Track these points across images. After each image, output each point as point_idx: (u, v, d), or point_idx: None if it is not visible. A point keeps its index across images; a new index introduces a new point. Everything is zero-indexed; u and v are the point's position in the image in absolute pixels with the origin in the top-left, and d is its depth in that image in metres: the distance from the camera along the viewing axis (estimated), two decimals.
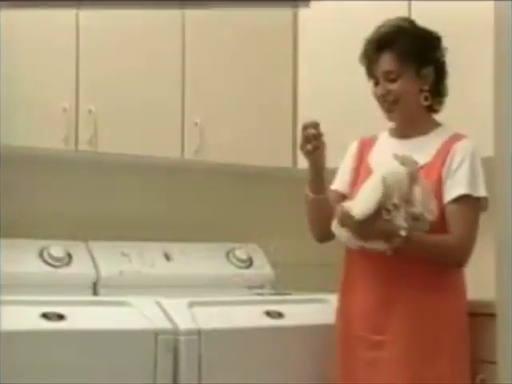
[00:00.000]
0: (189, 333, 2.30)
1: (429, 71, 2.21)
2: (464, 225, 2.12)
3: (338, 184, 2.36)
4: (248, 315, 2.44)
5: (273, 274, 2.98)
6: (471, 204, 2.14)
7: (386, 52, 2.17)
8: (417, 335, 2.13)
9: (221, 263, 2.92)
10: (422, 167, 2.14)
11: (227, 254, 2.98)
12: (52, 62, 2.69)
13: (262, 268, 2.99)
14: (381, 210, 2.04)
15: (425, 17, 2.87)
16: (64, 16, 2.71)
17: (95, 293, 2.70)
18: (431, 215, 2.07)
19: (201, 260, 2.89)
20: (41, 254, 2.67)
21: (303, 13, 3.10)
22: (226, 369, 2.33)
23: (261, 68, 3.07)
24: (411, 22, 2.25)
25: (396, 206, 2.06)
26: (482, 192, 2.16)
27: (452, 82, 2.75)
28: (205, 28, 2.98)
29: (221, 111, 2.99)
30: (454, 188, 2.15)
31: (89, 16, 2.75)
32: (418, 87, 2.20)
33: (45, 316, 2.19)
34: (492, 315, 2.07)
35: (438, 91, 2.24)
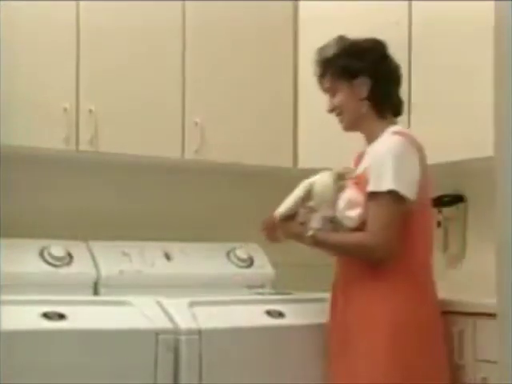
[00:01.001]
0: (189, 332, 2.31)
1: (362, 81, 2.34)
2: (373, 220, 2.22)
3: None
4: (248, 315, 2.44)
5: (273, 273, 2.98)
6: (379, 199, 2.22)
7: (324, 75, 2.39)
8: (353, 334, 2.26)
9: (221, 263, 2.92)
10: (360, 174, 2.30)
11: (228, 254, 2.98)
12: (52, 62, 2.69)
13: (263, 267, 2.98)
14: (298, 212, 2.31)
15: (425, 17, 2.88)
16: (64, 15, 2.71)
17: (96, 292, 2.69)
18: (348, 221, 2.25)
19: (201, 260, 2.89)
20: (41, 254, 2.67)
21: (303, 12, 3.09)
22: (227, 368, 2.34)
23: (261, 67, 3.07)
24: (344, 40, 2.39)
25: (311, 209, 2.30)
26: (385, 186, 2.21)
27: (452, 81, 2.76)
28: (205, 28, 2.97)
29: (221, 111, 2.98)
30: (369, 185, 2.26)
31: (89, 15, 2.75)
32: (357, 97, 2.35)
33: (45, 315, 2.20)
34: (492, 315, 2.07)
35: (379, 97, 2.35)
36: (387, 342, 2.21)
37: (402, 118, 2.91)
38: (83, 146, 2.74)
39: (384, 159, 2.24)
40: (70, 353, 2.18)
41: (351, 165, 2.46)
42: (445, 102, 2.84)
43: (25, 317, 2.17)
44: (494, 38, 2.05)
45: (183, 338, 2.30)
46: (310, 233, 2.28)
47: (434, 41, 2.85)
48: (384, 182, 2.22)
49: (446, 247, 3.14)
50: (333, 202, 2.29)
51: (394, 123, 2.38)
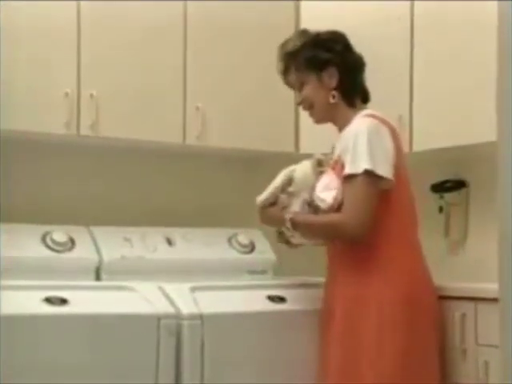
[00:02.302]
0: (191, 317, 2.32)
1: (329, 72, 2.37)
2: (347, 201, 2.25)
3: None
4: (250, 300, 2.45)
5: (275, 258, 2.98)
6: (355, 181, 2.24)
7: (289, 67, 2.40)
8: (345, 318, 2.28)
9: (223, 248, 2.92)
10: (336, 159, 2.33)
11: (229, 240, 2.97)
12: (53, 47, 2.69)
13: (264, 253, 2.98)
14: (279, 198, 2.38)
15: (428, 16, 2.88)
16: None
17: (97, 278, 2.70)
18: (321, 203, 2.29)
19: (203, 245, 2.89)
20: (43, 239, 2.67)
21: (305, 12, 3.09)
22: (229, 353, 2.35)
23: (263, 52, 3.06)
24: (306, 33, 2.41)
25: (291, 194, 2.36)
26: (361, 167, 2.23)
27: (454, 67, 2.76)
28: (207, 12, 2.96)
29: (222, 96, 2.98)
30: (343, 172, 2.28)
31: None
32: (326, 88, 2.37)
33: (48, 300, 2.21)
34: (494, 300, 2.08)
35: (348, 86, 2.38)
36: (375, 325, 2.22)
37: (404, 104, 2.93)
38: (84, 131, 2.74)
39: (357, 140, 2.26)
40: (72, 337, 2.19)
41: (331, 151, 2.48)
42: (447, 87, 2.84)
43: (27, 302, 2.18)
44: (497, 37, 2.05)
45: (185, 322, 2.30)
46: (289, 215, 2.31)
47: (436, 35, 2.86)
48: (359, 163, 2.23)
49: (447, 233, 3.14)
50: (312, 188, 2.34)
51: (365, 109, 2.40)
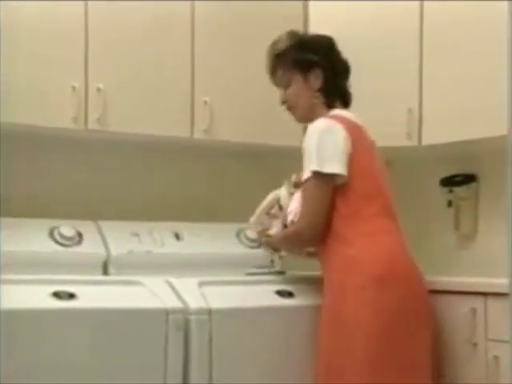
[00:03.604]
0: (199, 312, 2.32)
1: (316, 73, 2.41)
2: (301, 209, 2.34)
3: None
4: (258, 295, 2.45)
5: (283, 253, 2.97)
6: (306, 186, 2.33)
7: (277, 66, 2.45)
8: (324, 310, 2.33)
9: (231, 243, 2.92)
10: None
11: (237, 234, 2.97)
12: (61, 40, 2.68)
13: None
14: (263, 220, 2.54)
15: (437, 9, 2.87)
16: None
17: (105, 272, 2.70)
18: (288, 223, 2.43)
19: (211, 240, 2.89)
20: (51, 234, 2.67)
21: (314, 12, 3.08)
22: (237, 348, 2.35)
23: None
24: (296, 35, 2.46)
25: (273, 216, 2.48)
26: (310, 169, 2.29)
27: (464, 62, 2.74)
28: (216, 5, 2.95)
29: (231, 89, 2.97)
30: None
31: None
32: (309, 90, 2.42)
33: (55, 295, 2.21)
34: (504, 295, 2.07)
35: (329, 90, 2.42)
36: (349, 328, 2.24)
37: (413, 98, 2.92)
38: (92, 125, 2.73)
39: (306, 143, 2.33)
40: (80, 332, 2.19)
41: None
42: (457, 80, 2.82)
43: (35, 296, 2.18)
44: (507, 38, 2.04)
45: (193, 317, 2.31)
46: (263, 240, 2.52)
47: (445, 28, 2.84)
48: (309, 166, 2.30)
49: (457, 227, 3.13)
50: (285, 209, 2.46)
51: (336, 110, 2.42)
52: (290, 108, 2.47)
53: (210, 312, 2.32)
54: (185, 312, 2.31)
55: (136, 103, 2.81)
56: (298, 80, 2.42)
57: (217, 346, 2.31)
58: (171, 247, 2.82)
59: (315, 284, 2.51)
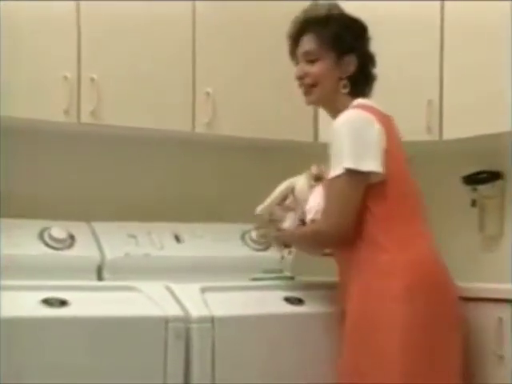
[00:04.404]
0: (201, 320, 2.32)
1: (350, 59, 2.35)
2: (327, 205, 2.30)
3: None
4: (265, 301, 2.45)
5: (293, 249, 2.98)
6: (334, 183, 2.28)
7: (309, 33, 2.35)
8: (351, 319, 2.31)
9: (236, 245, 2.93)
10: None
11: (243, 236, 2.97)
12: (51, 26, 2.68)
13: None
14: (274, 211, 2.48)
15: (459, 4, 2.87)
16: None
17: (100, 277, 2.71)
18: (307, 218, 2.38)
19: (214, 242, 2.90)
20: (41, 236, 2.68)
21: None
22: (241, 358, 2.35)
23: (278, 33, 3.04)
24: (338, 9, 2.40)
25: (287, 208, 2.44)
26: (342, 167, 2.25)
27: (486, 54, 2.74)
28: None
29: (235, 80, 2.97)
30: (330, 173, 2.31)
31: None
32: (338, 74, 2.36)
33: (46, 302, 2.21)
34: None
35: (359, 79, 2.38)
36: (378, 324, 2.24)
37: (434, 88, 2.92)
38: (85, 118, 2.74)
39: (337, 137, 2.27)
40: (72, 342, 2.19)
41: None
42: (480, 70, 2.82)
43: (23, 303, 2.18)
44: None
45: (195, 326, 2.31)
46: (273, 233, 2.46)
47: (467, 15, 2.85)
48: (341, 163, 2.25)
49: (482, 228, 3.13)
50: (305, 202, 2.40)
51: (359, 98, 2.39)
52: (310, 86, 2.38)
53: (212, 320, 2.33)
54: (185, 320, 2.31)
55: (132, 94, 2.82)
56: (329, 58, 2.34)
57: (220, 357, 2.31)
58: (171, 250, 2.82)
59: (326, 290, 2.53)
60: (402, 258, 2.26)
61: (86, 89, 2.73)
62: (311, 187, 2.42)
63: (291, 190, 2.46)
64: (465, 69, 2.88)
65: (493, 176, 3.09)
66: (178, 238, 2.88)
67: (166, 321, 2.29)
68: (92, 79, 2.73)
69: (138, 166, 3.08)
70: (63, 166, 2.96)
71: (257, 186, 3.15)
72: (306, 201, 2.40)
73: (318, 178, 2.42)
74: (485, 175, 3.09)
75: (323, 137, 3.08)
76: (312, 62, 2.36)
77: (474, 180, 3.11)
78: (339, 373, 2.33)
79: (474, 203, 3.12)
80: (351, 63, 2.36)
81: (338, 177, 2.25)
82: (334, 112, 2.38)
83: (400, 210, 2.30)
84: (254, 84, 3.01)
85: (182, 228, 2.91)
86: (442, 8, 2.93)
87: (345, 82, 2.35)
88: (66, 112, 2.70)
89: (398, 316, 2.21)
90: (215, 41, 2.95)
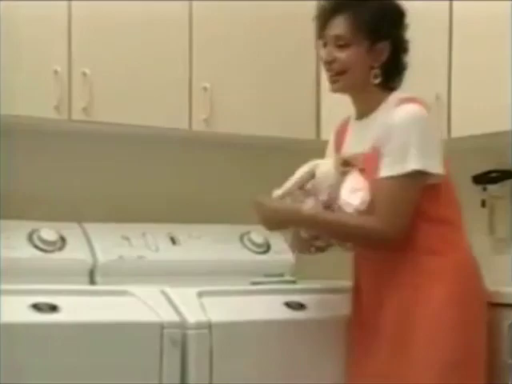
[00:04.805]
0: (198, 326, 2.32)
1: (384, 46, 2.29)
2: (384, 205, 2.22)
3: None
4: (265, 306, 2.45)
5: (293, 259, 2.98)
6: (396, 181, 2.22)
7: (341, 15, 2.27)
8: (395, 324, 2.27)
9: (234, 248, 2.93)
10: (369, 153, 2.27)
11: (241, 238, 2.98)
12: (41, 17, 2.67)
13: (281, 253, 2.99)
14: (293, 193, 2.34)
15: (467, 17, 2.87)
16: None
17: (92, 281, 2.71)
18: (348, 208, 2.26)
19: (211, 244, 2.90)
20: (30, 238, 2.68)
21: None
22: (240, 366, 2.34)
23: (279, 25, 3.05)
24: None
25: (307, 191, 2.32)
26: (409, 167, 2.20)
27: (495, 50, 2.73)
28: None
29: (234, 74, 2.97)
30: (380, 169, 2.24)
31: None
32: (369, 62, 2.29)
33: (35, 307, 2.21)
34: None
35: (392, 68, 2.32)
36: (427, 328, 2.23)
37: (442, 82, 2.91)
38: (76, 115, 2.74)
39: (405, 134, 2.21)
40: (63, 349, 2.18)
41: (331, 137, 2.46)
42: (490, 64, 2.82)
43: (11, 308, 2.17)
44: None
45: (191, 332, 2.31)
46: (309, 209, 2.27)
47: (476, 11, 2.85)
48: (407, 163, 2.21)
49: (492, 230, 3.13)
50: (332, 188, 2.32)
51: (393, 90, 2.35)
52: (338, 73, 2.30)
53: (210, 326, 2.32)
54: (182, 326, 2.31)
55: (126, 90, 2.81)
56: (362, 45, 2.27)
57: (217, 365, 2.30)
58: (166, 252, 2.83)
59: (330, 294, 2.52)
60: (453, 261, 2.26)
61: (78, 84, 2.72)
62: (342, 173, 2.32)
63: (313, 174, 2.36)
64: (474, 66, 2.87)
65: (504, 175, 3.08)
66: (173, 240, 2.88)
67: (161, 327, 2.28)
68: (84, 74, 2.73)
69: (132, 165, 3.08)
70: (53, 165, 2.96)
71: (257, 185, 3.14)
72: (331, 186, 2.31)
73: (346, 164, 2.33)
74: (495, 174, 3.09)
75: (326, 134, 3.08)
76: (342, 46, 2.28)
77: (484, 179, 3.11)
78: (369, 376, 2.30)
79: (483, 204, 3.12)
80: (384, 51, 2.29)
81: (402, 176, 2.20)
82: (363, 103, 2.33)
83: (450, 212, 2.29)
84: (254, 78, 3.01)
85: (178, 229, 2.91)
86: (451, 7, 2.93)
87: (376, 71, 2.29)
88: (57, 108, 2.70)
89: (447, 320, 2.22)
90: (213, 33, 2.94)
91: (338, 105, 2.76)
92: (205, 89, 2.92)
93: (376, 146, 2.27)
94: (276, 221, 2.33)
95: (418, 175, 2.21)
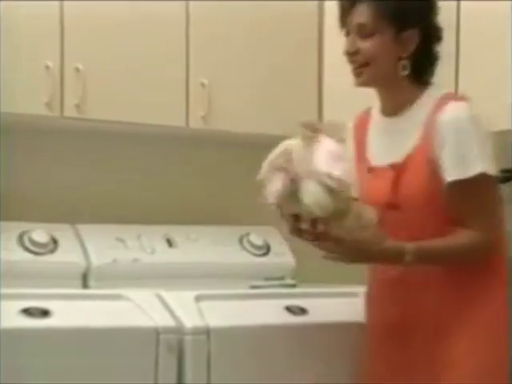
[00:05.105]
0: (195, 331, 2.32)
1: (412, 35, 2.19)
2: (476, 213, 2.13)
3: None
4: (265, 311, 2.45)
5: (294, 262, 2.98)
6: (467, 186, 2.13)
7: (364, 2, 2.18)
8: (435, 333, 2.19)
9: (233, 250, 2.93)
10: (411, 155, 2.17)
11: (240, 240, 2.98)
12: (32, 11, 2.66)
13: (282, 256, 2.99)
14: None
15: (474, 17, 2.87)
16: None
17: (85, 285, 2.71)
18: (332, 182, 2.03)
19: (209, 246, 2.90)
20: (20, 239, 2.68)
21: None
22: (240, 374, 2.34)
23: (281, 20, 3.05)
24: None
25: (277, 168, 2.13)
26: (474, 169, 2.13)
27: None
28: None
29: (233, 70, 2.97)
30: (446, 174, 2.14)
31: None
32: (397, 53, 2.19)
33: (26, 312, 2.20)
34: None
35: (422, 59, 2.23)
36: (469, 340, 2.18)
37: (449, 80, 2.91)
38: (69, 112, 2.73)
39: (460, 136, 2.13)
40: (55, 355, 2.18)
41: (349, 132, 2.34)
42: (499, 60, 2.82)
43: (1, 313, 2.16)
44: None
45: (188, 338, 2.31)
46: (411, 246, 2.11)
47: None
48: (469, 167, 2.12)
49: None
50: (304, 161, 2.10)
51: (428, 86, 2.26)
52: (362, 65, 2.20)
53: (207, 331, 2.32)
54: (178, 331, 2.31)
55: (121, 86, 2.81)
56: (387, 34, 2.17)
57: (215, 372, 2.31)
58: (162, 255, 2.83)
59: (332, 299, 2.53)
60: (504, 259, 2.22)
61: (70, 79, 2.72)
62: (308, 140, 2.12)
63: (288, 154, 2.18)
64: (480, 64, 2.87)
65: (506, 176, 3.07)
66: (170, 242, 2.88)
67: (156, 332, 2.28)
68: (77, 69, 2.72)
69: (126, 164, 3.08)
70: (45, 164, 2.96)
71: (256, 185, 3.15)
72: (300, 160, 2.12)
73: (310, 138, 2.14)
74: (507, 174, 3.07)
75: None
76: (365, 36, 2.19)
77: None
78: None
79: None
80: (413, 40, 2.19)
81: (471, 180, 2.12)
82: (392, 98, 2.24)
83: (499, 212, 2.22)
84: (254, 74, 3.01)
85: (174, 231, 2.91)
86: (458, 6, 2.94)
87: (405, 62, 2.19)
88: (48, 105, 2.69)
89: (503, 320, 2.18)
90: (211, 26, 2.94)
91: (342, 101, 2.77)
92: (202, 85, 2.91)
93: (422, 147, 2.17)
94: (368, 256, 2.16)
95: (490, 179, 2.14)
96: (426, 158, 2.16)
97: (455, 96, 2.23)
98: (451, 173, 2.14)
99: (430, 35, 2.22)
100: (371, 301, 2.35)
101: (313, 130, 2.11)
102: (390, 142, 2.25)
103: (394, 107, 2.26)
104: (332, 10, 2.77)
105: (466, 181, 2.12)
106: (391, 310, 2.28)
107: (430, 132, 2.16)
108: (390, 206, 2.19)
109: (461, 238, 2.15)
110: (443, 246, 2.16)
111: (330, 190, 2.04)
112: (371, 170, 2.26)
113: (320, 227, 2.09)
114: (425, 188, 2.16)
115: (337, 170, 2.04)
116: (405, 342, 2.25)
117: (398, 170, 2.19)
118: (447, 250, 2.17)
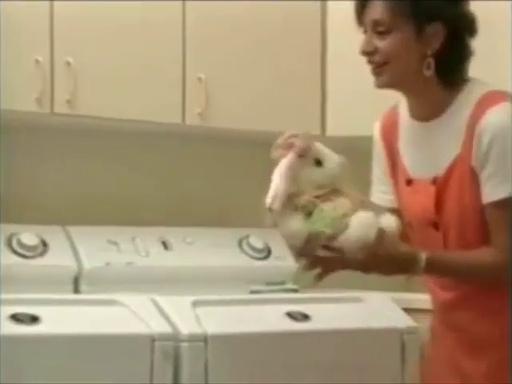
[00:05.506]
0: (192, 338, 2.32)
1: (436, 29, 2.05)
2: (500, 234, 2.04)
3: (376, 196, 2.24)
4: (265, 317, 2.45)
5: (295, 266, 2.97)
6: (500, 204, 2.03)
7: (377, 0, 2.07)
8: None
9: (232, 253, 2.92)
10: (448, 170, 2.08)
11: (239, 242, 2.98)
12: (22, 4, 2.66)
13: (282, 259, 2.97)
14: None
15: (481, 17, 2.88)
16: None
17: (76, 289, 2.71)
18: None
19: (207, 249, 2.89)
20: (9, 242, 2.67)
21: None
22: (238, 382, 2.34)
23: (281, 14, 3.05)
24: None
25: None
26: (506, 190, 2.02)
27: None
28: None
29: (230, 64, 2.96)
30: (487, 189, 2.05)
31: None
32: (420, 50, 2.06)
33: (14, 318, 2.20)
34: None
35: (447, 56, 2.07)
36: None
37: None
38: (59, 108, 2.73)
39: (505, 145, 2.01)
40: (45, 363, 2.18)
41: (377, 133, 2.22)
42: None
43: None
44: None
45: (185, 345, 2.31)
46: (425, 254, 2.04)
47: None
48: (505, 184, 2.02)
49: None
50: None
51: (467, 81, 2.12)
52: (380, 64, 2.08)
53: (205, 338, 2.32)
54: (174, 338, 2.31)
55: (113, 81, 2.81)
56: (406, 30, 2.04)
57: (213, 380, 2.30)
58: (158, 258, 2.82)
59: (335, 304, 2.53)
60: None
61: (61, 74, 2.71)
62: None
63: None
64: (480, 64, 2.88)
65: None
66: (165, 245, 2.88)
67: (152, 339, 2.28)
68: (67, 63, 2.72)
69: (120, 163, 3.07)
70: (34, 163, 2.95)
71: (256, 185, 3.13)
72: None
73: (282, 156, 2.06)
74: None
75: (332, 130, 3.07)
76: (382, 33, 2.06)
77: None
78: None
79: None
80: (437, 35, 2.05)
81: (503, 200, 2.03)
82: (420, 102, 2.11)
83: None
84: (252, 70, 3.00)
85: (170, 233, 2.90)
86: None
87: (429, 60, 2.05)
88: (38, 101, 2.69)
89: None
90: (208, 20, 2.93)
91: (344, 98, 2.77)
92: (199, 80, 2.91)
93: (463, 156, 2.06)
94: (392, 267, 2.07)
95: None
96: (469, 167, 2.06)
97: (497, 94, 2.08)
98: (498, 191, 2.04)
99: (459, 28, 2.08)
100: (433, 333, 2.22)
101: (286, 147, 2.05)
102: (428, 152, 2.13)
103: (425, 111, 2.13)
104: (334, 5, 2.80)
105: (504, 199, 2.03)
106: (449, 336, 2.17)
107: (471, 139, 2.06)
108: (431, 224, 2.15)
109: (480, 253, 2.08)
110: (460, 259, 2.10)
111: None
112: (410, 182, 2.15)
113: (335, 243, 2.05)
114: (468, 203, 2.07)
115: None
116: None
117: (441, 184, 2.09)
118: (464, 263, 2.10)
